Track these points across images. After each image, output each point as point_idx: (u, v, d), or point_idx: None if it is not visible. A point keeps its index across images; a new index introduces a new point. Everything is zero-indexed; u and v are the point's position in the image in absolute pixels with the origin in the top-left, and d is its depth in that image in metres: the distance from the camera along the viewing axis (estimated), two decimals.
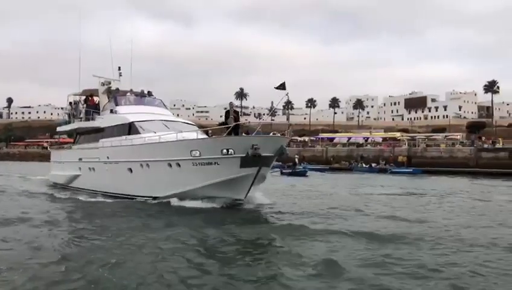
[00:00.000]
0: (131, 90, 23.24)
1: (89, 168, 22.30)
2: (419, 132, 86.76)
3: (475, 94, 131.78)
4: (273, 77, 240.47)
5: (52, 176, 27.84)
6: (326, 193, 22.38)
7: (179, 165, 16.42)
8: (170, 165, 16.67)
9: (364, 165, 48.60)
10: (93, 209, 16.39)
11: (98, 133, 22.14)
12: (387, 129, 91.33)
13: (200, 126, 25.61)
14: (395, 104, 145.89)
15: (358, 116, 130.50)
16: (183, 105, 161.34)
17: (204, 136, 18.37)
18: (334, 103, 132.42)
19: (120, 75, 23.95)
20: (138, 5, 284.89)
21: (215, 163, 15.60)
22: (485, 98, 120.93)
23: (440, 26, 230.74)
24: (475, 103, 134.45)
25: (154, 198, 17.50)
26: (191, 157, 15.96)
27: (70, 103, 26.80)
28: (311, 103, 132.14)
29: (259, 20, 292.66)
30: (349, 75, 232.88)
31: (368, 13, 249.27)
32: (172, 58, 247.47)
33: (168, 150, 16.77)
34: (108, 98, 23.07)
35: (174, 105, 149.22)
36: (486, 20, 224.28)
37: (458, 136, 67.52)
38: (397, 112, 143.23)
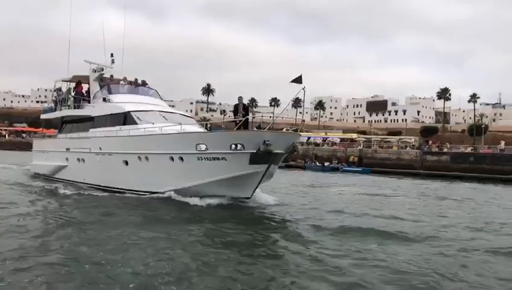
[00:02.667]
0: (124, 78, 22.00)
1: (78, 159, 20.91)
2: (377, 134, 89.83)
3: (433, 100, 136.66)
4: (241, 73, 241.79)
5: (35, 166, 26.23)
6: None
7: (181, 159, 15.39)
8: (172, 159, 15.56)
9: (317, 164, 50.76)
10: (82, 202, 15.54)
11: (88, 122, 20.83)
12: (348, 130, 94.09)
13: None
14: (357, 106, 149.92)
15: (319, 117, 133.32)
16: None
17: (204, 129, 17.78)
18: (297, 103, 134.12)
19: (113, 62, 22.38)
20: None
21: (222, 158, 14.61)
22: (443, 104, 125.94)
23: (406, 32, 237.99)
24: (433, 108, 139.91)
25: (152, 193, 16.34)
26: (196, 151, 14.95)
27: (57, 89, 25.21)
28: (274, 102, 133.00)
29: (228, 17, 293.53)
30: (316, 75, 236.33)
31: (335, 16, 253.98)
32: (139, 50, 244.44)
33: (170, 142, 15.66)
34: (100, 85, 21.62)
35: None
36: (451, 29, 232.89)
37: (411, 139, 70.72)
38: (359, 114, 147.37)
